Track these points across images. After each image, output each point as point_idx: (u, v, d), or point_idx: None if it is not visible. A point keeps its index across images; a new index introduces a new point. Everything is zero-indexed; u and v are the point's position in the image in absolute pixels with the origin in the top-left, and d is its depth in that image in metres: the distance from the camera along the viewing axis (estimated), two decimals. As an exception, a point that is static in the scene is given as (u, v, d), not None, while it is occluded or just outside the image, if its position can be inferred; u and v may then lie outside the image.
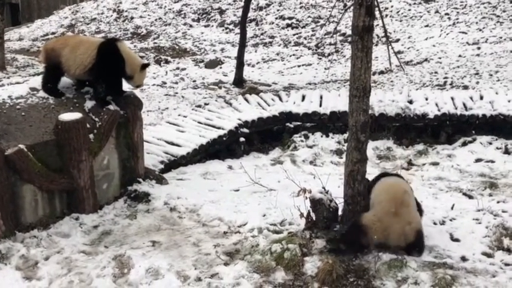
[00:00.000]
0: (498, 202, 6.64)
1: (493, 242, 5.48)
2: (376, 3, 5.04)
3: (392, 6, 17.02)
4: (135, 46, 16.12)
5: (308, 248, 5.13)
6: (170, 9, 19.18)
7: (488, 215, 6.10)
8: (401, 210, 5.03)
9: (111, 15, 19.43)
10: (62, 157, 5.82)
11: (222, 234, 5.71)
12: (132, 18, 18.97)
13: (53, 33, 18.45)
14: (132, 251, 5.35)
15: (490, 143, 8.91)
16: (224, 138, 8.88)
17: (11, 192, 5.46)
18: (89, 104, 6.42)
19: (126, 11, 19.51)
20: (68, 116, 5.88)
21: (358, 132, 5.20)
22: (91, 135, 6.04)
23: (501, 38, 14.17)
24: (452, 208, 6.36)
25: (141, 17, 18.94)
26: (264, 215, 6.02)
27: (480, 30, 14.86)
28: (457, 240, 5.63)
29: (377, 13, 5.28)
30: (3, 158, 5.34)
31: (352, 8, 5.15)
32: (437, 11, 16.45)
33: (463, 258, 5.16)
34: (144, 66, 6.60)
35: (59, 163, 5.82)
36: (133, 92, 6.78)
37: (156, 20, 18.67)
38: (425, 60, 13.33)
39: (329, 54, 15.02)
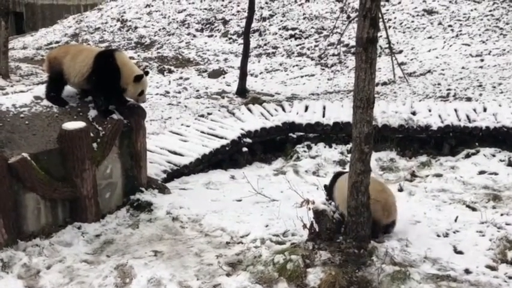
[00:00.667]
0: (502, 215, 6.61)
1: (497, 255, 5.45)
2: (380, 15, 5.05)
3: (395, 18, 17.06)
4: (138, 56, 16.17)
5: (311, 260, 5.10)
6: (174, 19, 19.25)
7: (492, 227, 6.08)
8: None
9: (115, 25, 19.51)
10: (65, 166, 5.82)
11: (224, 245, 5.70)
12: (136, 27, 19.04)
13: (57, 42, 18.52)
14: (134, 261, 5.34)
15: (494, 155, 8.88)
16: (227, 148, 8.88)
17: (13, 200, 5.46)
18: (92, 113, 6.44)
19: (130, 20, 19.59)
20: (71, 125, 5.89)
21: (361, 144, 5.19)
22: (94, 144, 6.05)
23: (504, 50, 14.18)
24: (455, 220, 6.34)
25: (145, 26, 19.01)
26: (267, 226, 6.01)
27: (483, 42, 14.87)
28: (460, 252, 5.61)
29: (381, 25, 5.29)
30: (6, 166, 5.35)
31: (356, 19, 5.16)
32: (440, 23, 16.48)
33: (467, 271, 5.14)
34: (137, 78, 6.39)
35: (62, 172, 5.82)
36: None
37: (159, 29, 18.73)
38: (429, 71, 13.34)
39: (332, 65, 15.04)
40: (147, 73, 6.71)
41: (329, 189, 6.28)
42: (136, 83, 6.43)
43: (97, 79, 6.33)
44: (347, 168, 7.29)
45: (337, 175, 6.39)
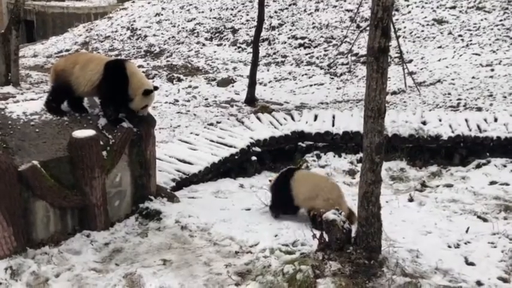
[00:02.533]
0: (513, 226, 6.54)
1: (509, 267, 5.40)
2: (391, 24, 5.03)
3: (405, 27, 17.03)
4: (148, 64, 16.22)
5: (321, 270, 5.06)
6: (183, 28, 19.31)
7: (504, 238, 6.03)
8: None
9: (125, 33, 19.60)
10: (75, 174, 5.82)
11: (233, 254, 5.66)
12: (145, 36, 19.12)
13: (67, 50, 18.62)
14: (142, 270, 5.32)
15: (505, 166, 8.81)
16: (236, 157, 8.86)
17: (23, 208, 5.46)
18: (102, 121, 6.43)
19: (139, 29, 19.68)
20: (81, 133, 5.89)
21: (372, 154, 5.16)
22: (104, 152, 6.04)
23: (515, 60, 14.12)
24: (467, 231, 6.29)
25: (154, 35, 19.08)
26: (276, 235, 5.98)
27: (494, 52, 14.79)
28: (472, 264, 5.55)
29: (391, 34, 5.26)
30: (16, 174, 5.35)
31: (367, 29, 5.14)
32: (450, 33, 16.44)
33: (479, 283, 5.08)
34: (147, 92, 6.37)
35: (72, 180, 5.82)
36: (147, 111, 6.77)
37: (169, 38, 18.79)
38: (439, 81, 13.28)
39: (341, 74, 15.01)
40: (156, 88, 6.61)
41: (280, 187, 6.58)
42: (144, 96, 6.38)
43: (106, 87, 6.32)
44: (357, 179, 7.27)
45: (288, 172, 6.73)
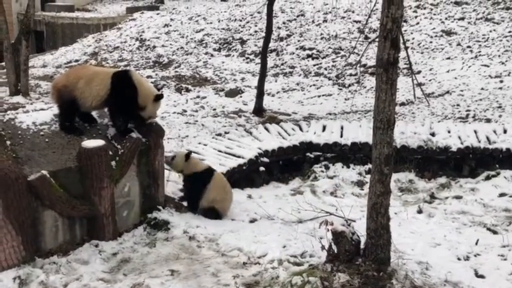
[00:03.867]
0: (524, 238, 6.49)
1: (520, 280, 5.34)
2: (401, 36, 5.03)
3: (413, 39, 17.04)
4: (156, 74, 16.28)
5: (329, 282, 5.03)
6: (192, 38, 19.41)
7: (514, 251, 5.97)
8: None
9: (134, 44, 19.71)
10: (84, 184, 5.84)
11: (241, 265, 5.64)
12: (154, 47, 19.22)
13: (77, 60, 18.73)
14: (150, 280, 5.31)
15: (514, 178, 8.76)
16: (244, 167, 8.85)
17: (32, 217, 5.47)
18: (111, 131, 6.46)
19: (148, 40, 19.79)
20: (90, 143, 5.91)
21: (381, 165, 5.14)
22: (113, 162, 6.06)
23: (524, 71, 14.08)
24: (476, 243, 6.24)
25: (163, 46, 19.18)
26: (284, 246, 5.95)
27: (502, 63, 14.76)
28: (482, 276, 5.51)
29: (400, 45, 5.26)
30: (26, 183, 5.37)
31: (376, 40, 5.14)
32: (459, 44, 16.42)
33: (489, 296, 5.04)
34: (158, 97, 6.48)
35: (81, 189, 5.83)
36: (155, 120, 6.79)
37: (177, 49, 18.88)
38: (447, 92, 13.25)
39: (349, 85, 15.01)
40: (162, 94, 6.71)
41: (204, 181, 6.99)
42: (155, 103, 6.46)
43: (115, 99, 6.30)
44: (366, 190, 7.24)
45: (207, 172, 7.12)
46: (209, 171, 7.18)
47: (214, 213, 6.98)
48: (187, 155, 7.11)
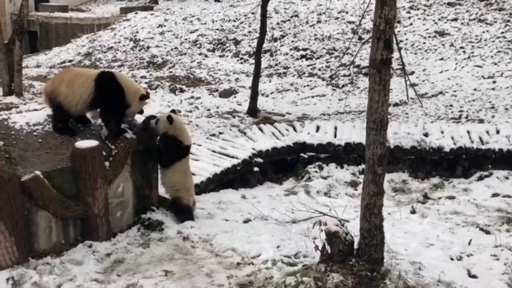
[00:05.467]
0: (516, 238, 6.52)
1: (512, 280, 5.37)
2: (394, 37, 5.05)
3: (407, 39, 17.07)
4: (150, 75, 16.25)
5: (323, 282, 5.04)
6: (186, 39, 19.38)
7: (507, 251, 6.01)
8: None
9: (128, 44, 19.65)
10: (77, 184, 5.83)
11: (235, 265, 5.65)
12: (148, 47, 19.18)
13: (70, 60, 18.66)
14: (144, 280, 5.31)
15: (507, 178, 8.81)
16: (238, 168, 8.87)
17: (25, 218, 5.46)
18: (105, 131, 6.45)
19: (142, 40, 19.73)
20: (84, 144, 5.91)
21: (375, 165, 5.16)
22: (107, 163, 6.06)
23: (516, 72, 14.13)
24: (469, 243, 6.27)
25: (157, 46, 19.14)
26: (278, 247, 5.97)
27: (495, 64, 14.81)
28: (474, 276, 5.54)
29: (394, 46, 5.28)
30: (19, 184, 5.36)
31: (369, 41, 5.16)
32: (452, 45, 16.47)
33: (482, 296, 5.06)
34: (144, 97, 6.43)
35: (74, 190, 5.83)
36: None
37: (172, 49, 18.85)
38: (440, 93, 13.29)
39: (343, 86, 15.02)
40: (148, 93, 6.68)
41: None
42: (140, 101, 6.45)
43: (105, 102, 6.25)
44: (359, 190, 7.26)
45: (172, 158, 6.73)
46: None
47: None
48: (170, 117, 6.60)
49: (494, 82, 13.58)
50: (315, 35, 18.39)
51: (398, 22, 17.82)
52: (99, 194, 5.91)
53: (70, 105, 6.19)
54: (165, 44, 19.35)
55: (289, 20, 19.60)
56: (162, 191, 7.14)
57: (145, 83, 15.00)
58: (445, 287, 5.20)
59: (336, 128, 10.18)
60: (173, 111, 6.92)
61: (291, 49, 17.85)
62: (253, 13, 18.74)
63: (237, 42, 18.83)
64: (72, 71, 6.59)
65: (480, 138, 9.44)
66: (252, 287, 5.20)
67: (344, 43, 17.36)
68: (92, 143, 5.95)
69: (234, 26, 19.91)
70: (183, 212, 6.75)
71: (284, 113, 12.58)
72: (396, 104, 12.68)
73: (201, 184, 8.11)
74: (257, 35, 14.52)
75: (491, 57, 15.38)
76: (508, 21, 17.34)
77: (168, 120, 6.56)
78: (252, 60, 16.16)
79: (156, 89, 14.54)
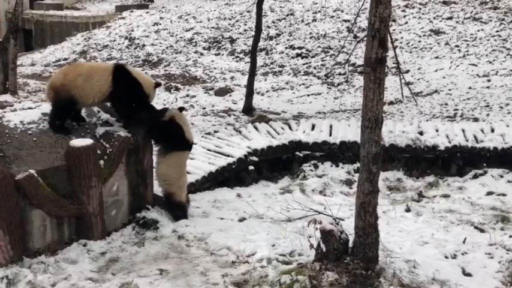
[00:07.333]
0: (510, 236, 6.53)
1: (506, 278, 5.40)
2: (389, 35, 5.05)
3: (402, 38, 17.10)
4: (146, 73, 16.24)
5: (318, 280, 5.05)
6: (181, 37, 19.36)
7: (501, 249, 6.03)
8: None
9: (123, 43, 19.63)
10: (72, 183, 5.82)
11: (230, 264, 5.65)
12: (143, 45, 19.16)
13: (65, 59, 18.63)
14: (139, 279, 5.31)
15: (502, 176, 8.82)
16: (233, 166, 8.85)
17: (19, 217, 5.45)
18: (100, 130, 6.44)
19: (138, 38, 19.71)
20: (79, 142, 5.89)
21: (369, 164, 5.17)
22: (101, 162, 6.04)
23: (511, 70, 14.16)
24: (464, 242, 6.28)
25: (152, 44, 19.12)
26: (273, 245, 5.97)
27: (490, 62, 14.86)
28: (469, 274, 5.55)
29: (389, 45, 5.29)
30: (13, 182, 5.34)
31: (364, 39, 5.17)
32: (447, 43, 16.51)
33: (476, 294, 5.08)
34: (158, 84, 6.83)
35: (69, 189, 5.81)
36: None
37: (167, 47, 18.83)
38: (435, 91, 13.32)
39: (338, 84, 15.04)
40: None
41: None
42: (155, 90, 6.76)
43: (123, 93, 6.37)
44: (354, 189, 7.27)
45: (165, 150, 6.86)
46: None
47: None
48: (182, 107, 7.22)
49: (489, 81, 13.62)
50: (311, 33, 18.40)
51: (394, 20, 17.84)
52: (94, 193, 5.90)
53: (87, 98, 6.31)
54: (160, 42, 19.33)
55: (284, 18, 19.61)
56: (156, 189, 7.14)
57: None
58: (439, 285, 5.21)
59: (331, 127, 10.18)
60: (182, 108, 7.24)
61: (286, 47, 17.86)
62: (248, 11, 18.72)
63: (232, 41, 18.82)
64: (85, 65, 6.80)
65: (475, 137, 9.46)
66: (247, 285, 5.20)
67: (339, 41, 17.38)
68: (86, 141, 5.94)
69: (229, 24, 19.90)
70: (176, 208, 6.75)
71: (279, 111, 12.59)
72: (391, 103, 12.70)
73: (196, 183, 8.09)
74: (252, 33, 14.52)
75: (486, 55, 15.43)
76: (503, 19, 17.40)
77: (179, 109, 7.02)
78: (247, 59, 16.18)
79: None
